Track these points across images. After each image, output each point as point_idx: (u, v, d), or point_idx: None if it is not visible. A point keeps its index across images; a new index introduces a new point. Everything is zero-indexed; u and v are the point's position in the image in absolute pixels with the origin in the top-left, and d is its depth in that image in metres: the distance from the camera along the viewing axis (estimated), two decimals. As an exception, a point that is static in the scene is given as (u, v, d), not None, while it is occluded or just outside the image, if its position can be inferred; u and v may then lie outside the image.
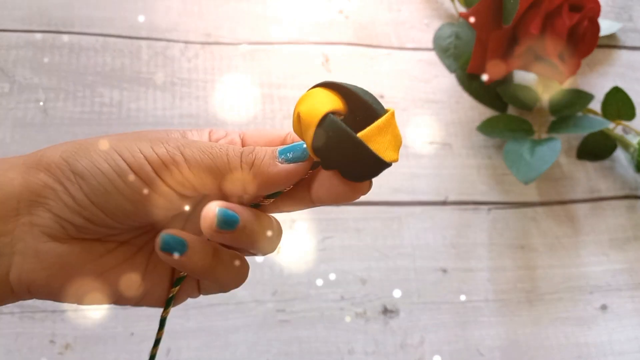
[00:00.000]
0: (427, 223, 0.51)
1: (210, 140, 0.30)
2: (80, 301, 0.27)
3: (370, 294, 0.47)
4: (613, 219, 0.54)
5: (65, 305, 0.44)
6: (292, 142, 0.30)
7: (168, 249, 0.26)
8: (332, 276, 0.48)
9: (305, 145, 0.28)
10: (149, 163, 0.26)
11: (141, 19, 0.56)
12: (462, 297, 0.48)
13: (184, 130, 0.30)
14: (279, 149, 0.28)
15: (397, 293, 0.48)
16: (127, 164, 0.26)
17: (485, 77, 0.56)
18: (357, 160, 0.26)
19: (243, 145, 0.31)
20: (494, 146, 0.56)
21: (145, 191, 0.26)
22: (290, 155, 0.28)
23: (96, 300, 0.27)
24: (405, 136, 0.55)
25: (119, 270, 0.27)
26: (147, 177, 0.26)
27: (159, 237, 0.26)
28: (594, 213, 0.54)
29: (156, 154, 0.26)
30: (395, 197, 0.52)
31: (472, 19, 0.53)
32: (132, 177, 0.26)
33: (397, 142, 0.27)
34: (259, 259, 0.47)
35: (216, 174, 0.27)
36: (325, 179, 0.28)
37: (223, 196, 0.28)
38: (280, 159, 0.27)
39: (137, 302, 0.28)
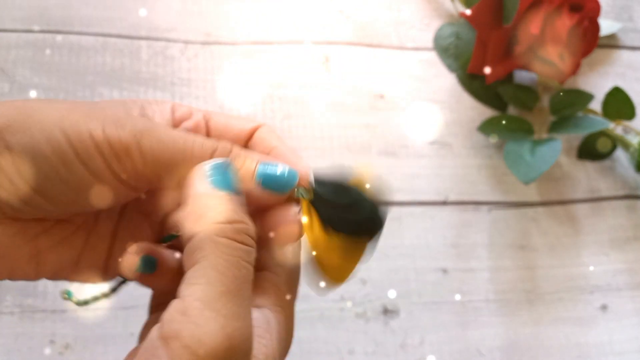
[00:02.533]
0: (427, 223, 0.51)
1: (173, 119, 0.26)
2: (11, 277, 0.24)
3: (370, 294, 0.47)
4: (613, 219, 0.54)
5: (65, 305, 0.44)
6: (261, 141, 0.26)
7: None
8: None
9: (291, 180, 0.24)
10: (99, 151, 0.22)
11: (142, 12, 0.56)
12: (463, 297, 0.48)
13: (143, 102, 0.26)
14: (259, 168, 0.24)
15: (392, 294, 0.48)
16: (73, 149, 0.22)
17: (487, 71, 0.55)
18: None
19: (207, 132, 0.26)
20: (495, 146, 0.56)
21: (91, 181, 0.22)
22: (272, 185, 0.24)
23: (26, 277, 0.24)
24: (406, 136, 0.55)
25: (55, 251, 0.24)
26: (94, 167, 0.22)
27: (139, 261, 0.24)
28: (594, 213, 0.54)
29: (108, 140, 0.22)
30: (395, 197, 0.52)
31: (470, 14, 0.53)
32: (77, 165, 0.22)
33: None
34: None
35: (175, 171, 0.23)
36: None
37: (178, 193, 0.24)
38: (257, 181, 0.23)
39: (72, 278, 0.26)
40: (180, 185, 0.23)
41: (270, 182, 0.24)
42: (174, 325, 0.20)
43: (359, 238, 0.24)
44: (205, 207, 0.22)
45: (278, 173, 0.24)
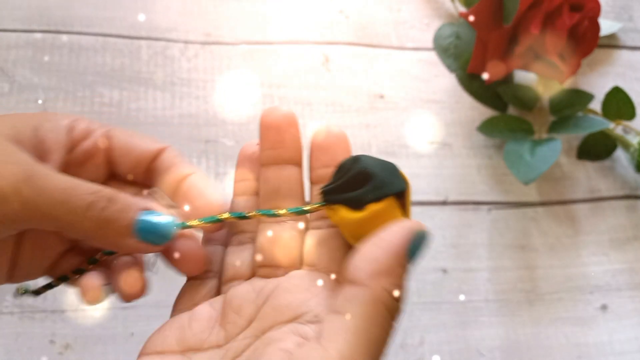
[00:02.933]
0: (427, 223, 0.51)
1: (70, 139, 0.25)
2: None
3: (370, 294, 0.47)
4: (613, 219, 0.54)
5: (66, 305, 0.44)
6: (167, 165, 0.26)
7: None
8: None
9: (170, 228, 0.24)
10: None
11: (141, 17, 0.56)
12: (462, 297, 0.48)
13: (36, 121, 0.25)
14: (137, 223, 0.23)
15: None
16: None
17: (485, 77, 0.56)
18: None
19: (109, 151, 0.26)
20: (494, 146, 0.56)
21: None
22: (150, 238, 0.24)
23: None
24: (405, 136, 0.55)
25: None
26: None
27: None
28: (594, 213, 0.54)
29: None
30: (395, 197, 0.52)
31: (471, 18, 0.53)
32: None
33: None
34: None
35: (54, 219, 0.22)
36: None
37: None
38: (134, 234, 0.23)
39: (9, 280, 0.26)
40: (63, 230, 0.23)
41: (147, 234, 0.23)
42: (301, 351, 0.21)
43: (386, 199, 0.24)
44: (388, 266, 0.22)
45: (157, 222, 0.24)
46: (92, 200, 0.23)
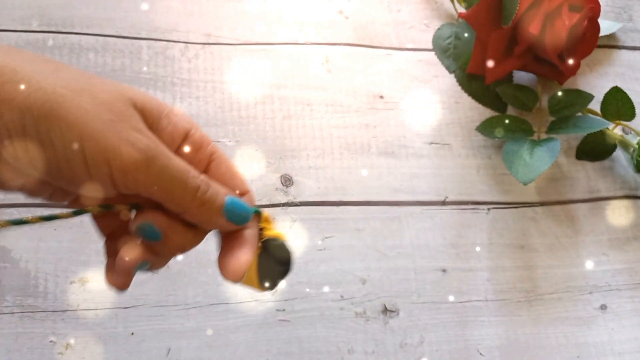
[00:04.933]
0: (427, 223, 0.51)
1: (181, 143, 0.29)
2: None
3: (370, 293, 0.48)
4: (613, 219, 0.54)
5: (66, 305, 0.44)
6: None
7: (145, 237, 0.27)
8: (332, 276, 0.48)
9: (249, 212, 0.29)
10: (108, 164, 0.24)
11: (144, 6, 0.56)
12: (462, 297, 0.49)
13: (167, 110, 0.28)
14: (228, 202, 0.28)
15: (401, 294, 0.48)
16: (83, 157, 0.24)
17: (485, 75, 0.56)
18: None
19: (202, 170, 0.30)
20: (494, 146, 0.56)
21: (88, 180, 0.25)
22: (234, 218, 0.28)
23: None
24: (405, 136, 0.55)
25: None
26: (98, 174, 0.24)
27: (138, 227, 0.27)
28: (593, 213, 0.54)
29: (121, 158, 0.24)
30: (395, 197, 0.52)
31: (469, 15, 0.53)
32: (81, 169, 0.24)
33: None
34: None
35: (166, 194, 0.26)
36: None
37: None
38: (223, 213, 0.28)
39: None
40: (168, 203, 0.27)
41: (233, 215, 0.29)
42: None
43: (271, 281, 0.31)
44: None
45: (241, 204, 0.29)
46: (200, 183, 0.27)
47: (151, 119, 0.27)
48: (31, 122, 0.23)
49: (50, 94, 0.23)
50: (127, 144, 0.25)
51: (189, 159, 0.29)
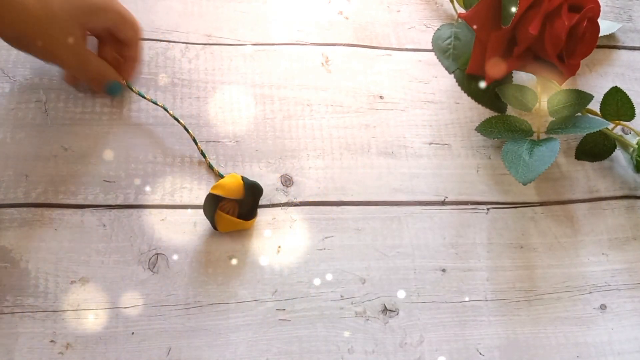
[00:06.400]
0: (427, 223, 0.51)
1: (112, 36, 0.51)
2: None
3: (370, 293, 0.48)
4: (612, 219, 0.54)
5: (66, 305, 0.44)
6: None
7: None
8: (332, 276, 0.48)
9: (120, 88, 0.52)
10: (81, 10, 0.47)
11: (145, 7, 0.56)
12: (462, 297, 0.49)
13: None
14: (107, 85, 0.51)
15: (401, 294, 0.48)
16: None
17: (484, 78, 0.56)
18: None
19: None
20: (493, 146, 0.56)
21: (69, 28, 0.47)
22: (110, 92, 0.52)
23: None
24: (405, 136, 0.55)
25: None
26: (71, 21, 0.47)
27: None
28: (593, 213, 0.54)
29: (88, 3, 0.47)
30: (394, 197, 0.52)
31: (469, 15, 0.53)
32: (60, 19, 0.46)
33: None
34: (262, 261, 0.48)
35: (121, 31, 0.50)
36: None
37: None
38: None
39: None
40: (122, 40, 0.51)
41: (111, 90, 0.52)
42: None
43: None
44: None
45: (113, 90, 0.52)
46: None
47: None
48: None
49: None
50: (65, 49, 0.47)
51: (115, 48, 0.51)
